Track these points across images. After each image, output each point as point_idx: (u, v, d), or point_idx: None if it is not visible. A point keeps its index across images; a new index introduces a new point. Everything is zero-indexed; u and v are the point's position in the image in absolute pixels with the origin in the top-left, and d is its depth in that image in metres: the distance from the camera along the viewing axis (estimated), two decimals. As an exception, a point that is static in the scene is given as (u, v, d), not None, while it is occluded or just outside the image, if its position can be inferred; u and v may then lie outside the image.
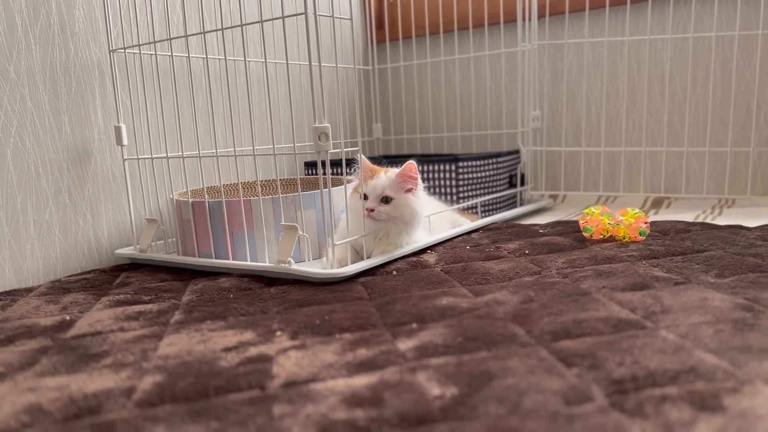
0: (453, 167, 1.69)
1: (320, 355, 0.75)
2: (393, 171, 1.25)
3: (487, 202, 1.76)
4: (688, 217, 1.59)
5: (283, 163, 1.91)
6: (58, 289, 1.20)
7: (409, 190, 1.24)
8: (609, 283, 0.97)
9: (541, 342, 0.74)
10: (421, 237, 1.34)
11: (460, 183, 1.70)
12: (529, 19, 1.86)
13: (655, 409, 0.56)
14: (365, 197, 1.23)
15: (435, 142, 2.26)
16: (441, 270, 1.15)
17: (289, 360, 0.74)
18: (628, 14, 1.87)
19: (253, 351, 0.78)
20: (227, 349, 0.80)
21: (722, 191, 1.84)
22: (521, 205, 1.89)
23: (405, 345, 0.76)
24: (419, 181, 1.26)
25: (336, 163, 1.27)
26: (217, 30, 1.22)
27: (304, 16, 1.08)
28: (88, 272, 1.35)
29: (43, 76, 1.31)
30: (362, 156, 1.23)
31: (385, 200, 1.22)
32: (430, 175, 1.73)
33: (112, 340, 0.87)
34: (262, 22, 1.16)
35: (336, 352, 0.75)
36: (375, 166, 1.26)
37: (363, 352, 0.75)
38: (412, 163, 1.23)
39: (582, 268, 1.08)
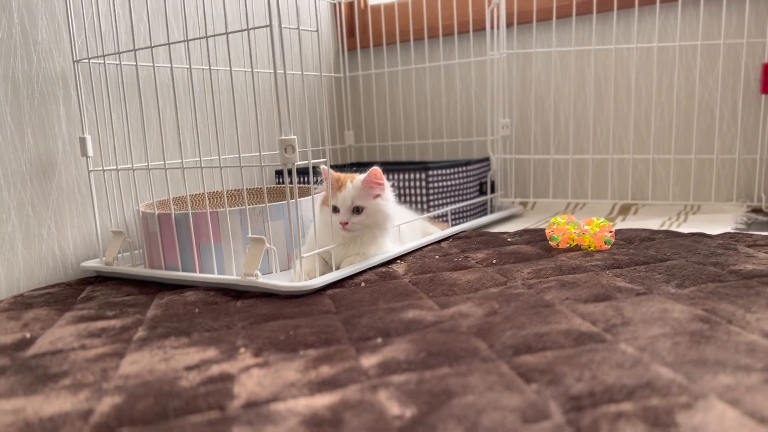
0: (423, 176, 1.70)
1: (283, 373, 0.75)
2: (358, 178, 1.25)
3: (457, 210, 1.77)
4: (655, 223, 1.61)
5: (253, 170, 1.90)
6: (20, 304, 1.18)
7: (377, 196, 1.25)
8: (572, 294, 0.98)
9: (503, 357, 0.75)
10: (390, 247, 1.34)
11: (431, 191, 1.70)
12: (498, 28, 1.87)
13: (609, 426, 0.56)
14: (335, 209, 1.23)
15: (407, 149, 2.27)
16: (409, 281, 1.15)
17: (251, 379, 0.74)
18: (594, 24, 1.90)
19: (215, 369, 0.78)
20: (189, 368, 0.79)
21: (688, 198, 1.88)
22: (491, 212, 1.90)
23: (368, 361, 0.76)
24: (386, 184, 1.28)
25: (304, 171, 1.27)
26: (182, 41, 1.21)
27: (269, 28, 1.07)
28: (53, 286, 1.33)
29: (5, 86, 1.29)
30: (327, 167, 1.23)
31: (357, 210, 1.23)
32: (401, 184, 1.74)
33: (73, 358, 0.86)
34: (227, 33, 1.16)
35: (299, 370, 0.75)
36: (340, 175, 1.26)
37: (326, 370, 0.75)
38: (376, 169, 1.24)
39: (547, 279, 1.09)
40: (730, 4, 1.75)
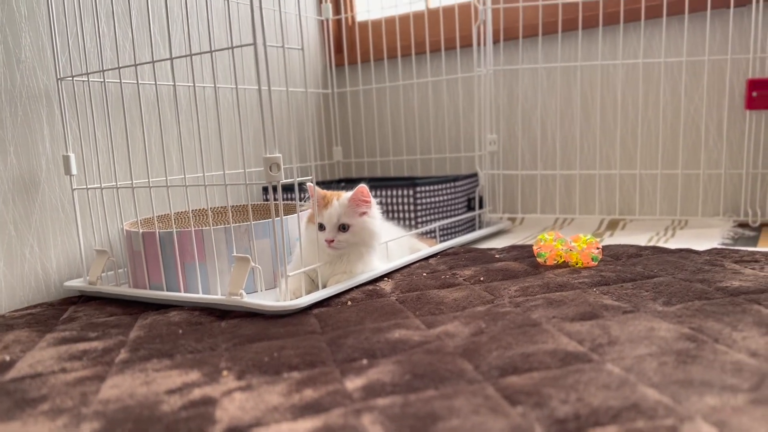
0: (411, 192, 1.70)
1: (266, 396, 0.73)
2: (345, 196, 1.25)
3: (445, 226, 1.76)
4: (642, 239, 1.61)
5: (239, 186, 1.89)
6: (1, 326, 1.16)
7: (364, 213, 1.25)
8: (559, 313, 0.97)
9: (489, 378, 0.74)
10: (378, 264, 1.34)
11: (419, 207, 1.70)
12: (484, 45, 1.88)
13: (595, 450, 0.56)
14: (321, 227, 1.22)
15: (395, 165, 2.27)
16: (396, 299, 1.14)
17: (234, 403, 0.72)
18: (580, 40, 1.91)
19: (197, 393, 0.76)
20: (171, 392, 0.78)
21: (675, 212, 1.88)
22: (480, 228, 1.90)
23: (353, 384, 0.75)
24: (373, 202, 1.28)
25: (290, 188, 1.26)
26: (167, 59, 1.21)
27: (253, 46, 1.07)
28: (35, 306, 1.31)
29: (-13, 105, 1.28)
30: (313, 184, 1.22)
31: (343, 228, 1.22)
32: (389, 200, 1.73)
33: (53, 382, 0.84)
34: (212, 51, 1.15)
35: (282, 394, 0.74)
36: (326, 192, 1.26)
37: (309, 393, 0.73)
38: (362, 187, 1.24)
39: (534, 297, 1.08)
40: (714, 20, 1.76)
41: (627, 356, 0.77)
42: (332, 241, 1.21)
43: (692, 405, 0.63)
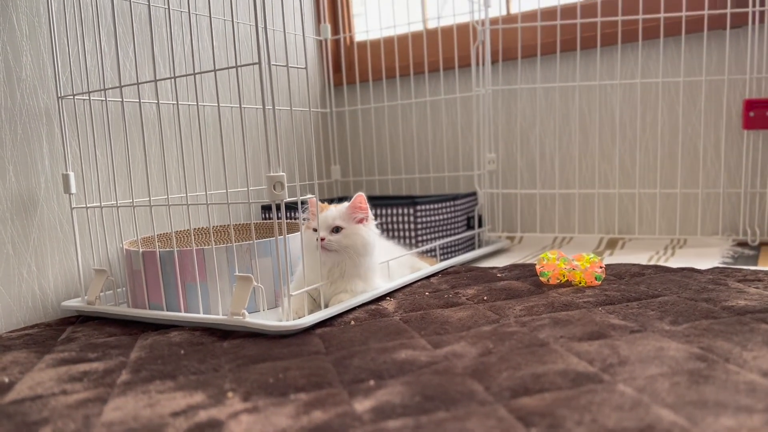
0: (411, 210, 1.69)
1: (273, 419, 0.72)
2: (344, 204, 1.29)
3: (445, 245, 1.76)
4: (643, 258, 1.61)
5: (239, 204, 1.88)
6: (-2, 346, 1.14)
7: (360, 221, 1.27)
8: (566, 333, 0.96)
9: (500, 399, 0.73)
10: (379, 283, 1.33)
11: (419, 226, 1.69)
12: (483, 65, 1.89)
13: (614, 473, 0.55)
14: (316, 230, 1.23)
15: (393, 183, 2.26)
16: (400, 319, 1.13)
17: (241, 425, 0.71)
18: (578, 60, 1.92)
19: (202, 415, 0.75)
20: (176, 414, 0.76)
21: (674, 231, 1.89)
22: (479, 246, 1.89)
23: (362, 406, 0.74)
24: (370, 213, 1.29)
25: (292, 206, 1.26)
26: (169, 78, 1.20)
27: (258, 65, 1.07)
28: (32, 327, 1.29)
29: (-13, 123, 1.27)
30: (314, 196, 1.22)
31: (336, 230, 1.24)
32: (389, 219, 1.73)
33: (54, 405, 0.83)
34: (215, 71, 1.15)
35: (290, 416, 0.73)
36: (326, 204, 1.29)
37: (318, 415, 0.72)
38: (360, 195, 1.26)
39: (539, 316, 1.07)
40: (711, 41, 1.78)
41: (638, 376, 0.77)
42: (324, 239, 1.21)
43: (708, 426, 0.62)
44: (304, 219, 1.23)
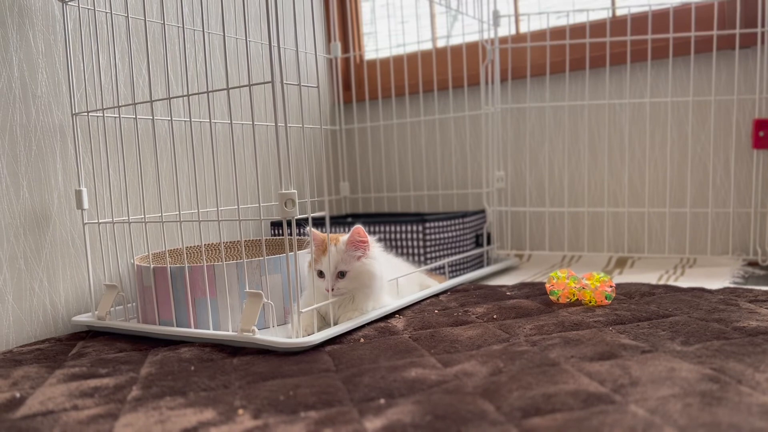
0: (420, 228, 1.70)
1: (284, 437, 0.72)
2: (342, 240, 1.24)
3: (454, 262, 1.76)
4: (652, 277, 1.61)
5: (248, 221, 1.89)
6: (9, 361, 1.15)
7: (361, 256, 1.24)
8: (577, 352, 0.96)
9: (512, 419, 0.73)
10: (388, 301, 1.33)
11: (428, 244, 1.70)
12: (492, 83, 1.90)
13: (628, 496, 0.54)
14: (321, 274, 1.22)
15: (402, 200, 2.27)
16: (409, 337, 1.13)
17: (252, 443, 0.71)
18: (587, 79, 1.93)
19: (213, 433, 0.75)
20: (186, 431, 0.76)
21: (684, 251, 1.88)
22: (488, 264, 1.89)
23: (372, 425, 0.74)
24: (370, 241, 1.26)
25: (302, 222, 1.26)
26: (183, 96, 1.22)
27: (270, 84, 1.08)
28: (43, 341, 1.29)
29: (2, 139, 1.29)
30: (311, 228, 1.21)
31: (341, 275, 1.22)
32: (398, 236, 1.73)
33: (65, 420, 0.83)
34: (228, 89, 1.17)
35: (301, 434, 0.73)
36: (324, 236, 1.22)
37: (329, 433, 0.72)
38: (358, 227, 1.23)
39: (550, 335, 1.07)
40: (720, 61, 1.79)
41: (650, 397, 0.76)
42: (332, 289, 1.21)
43: (722, 449, 0.62)
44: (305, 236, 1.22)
